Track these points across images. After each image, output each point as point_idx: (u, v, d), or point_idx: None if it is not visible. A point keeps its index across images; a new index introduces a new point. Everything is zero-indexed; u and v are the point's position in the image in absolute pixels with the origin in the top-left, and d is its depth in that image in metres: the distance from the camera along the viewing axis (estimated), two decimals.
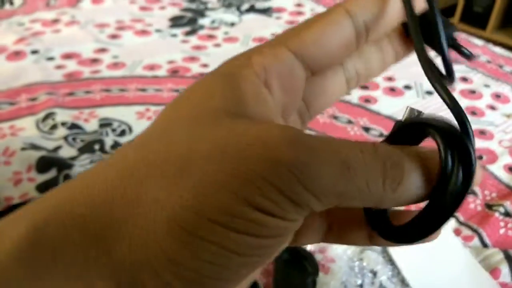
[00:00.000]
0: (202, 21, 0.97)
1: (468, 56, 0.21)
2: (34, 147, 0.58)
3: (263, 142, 0.14)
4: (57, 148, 0.58)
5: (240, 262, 0.15)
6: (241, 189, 0.14)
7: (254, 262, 0.15)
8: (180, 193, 0.14)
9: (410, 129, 0.17)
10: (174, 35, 0.91)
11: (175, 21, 0.96)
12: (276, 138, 0.14)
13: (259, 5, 1.06)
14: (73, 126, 0.62)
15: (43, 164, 0.55)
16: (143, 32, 0.91)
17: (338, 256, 0.46)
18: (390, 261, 0.46)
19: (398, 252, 0.47)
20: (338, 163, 0.14)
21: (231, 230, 0.14)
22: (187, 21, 0.97)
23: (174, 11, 1.01)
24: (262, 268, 0.21)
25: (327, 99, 0.21)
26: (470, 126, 0.16)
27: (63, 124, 0.62)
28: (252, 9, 1.04)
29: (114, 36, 0.89)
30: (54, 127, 0.62)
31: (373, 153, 0.15)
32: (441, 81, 0.18)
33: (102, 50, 0.83)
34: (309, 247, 0.47)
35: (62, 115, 0.64)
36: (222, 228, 0.14)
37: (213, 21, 0.97)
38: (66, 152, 0.57)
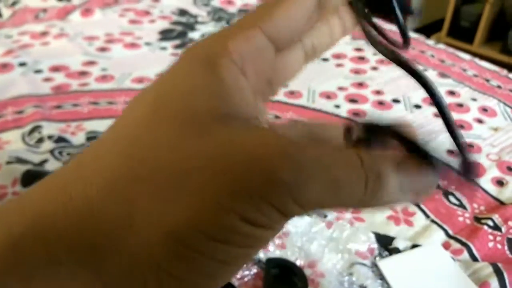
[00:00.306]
0: (192, 35, 0.97)
1: (411, 13, 0.21)
2: (20, 160, 0.57)
3: (257, 156, 0.15)
4: (43, 161, 0.57)
5: (229, 270, 0.16)
6: (237, 205, 0.14)
7: (239, 267, 0.16)
8: (175, 210, 0.14)
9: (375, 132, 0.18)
10: (164, 48, 0.91)
11: (165, 34, 0.97)
12: (270, 155, 0.15)
13: None
14: (60, 139, 0.62)
15: (29, 178, 0.54)
16: (133, 45, 0.91)
17: (327, 271, 0.46)
18: (380, 276, 0.46)
19: (388, 266, 0.46)
20: (328, 181, 0.15)
21: (226, 243, 0.14)
22: (177, 35, 0.97)
23: (164, 24, 1.01)
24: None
25: (288, 74, 0.21)
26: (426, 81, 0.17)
27: (50, 137, 0.62)
28: None
29: (103, 49, 0.88)
30: (40, 140, 0.61)
31: (359, 167, 0.15)
32: (384, 46, 0.18)
33: (91, 62, 0.83)
34: (299, 262, 0.46)
35: (49, 128, 0.63)
36: (218, 243, 0.14)
37: (203, 35, 0.97)
38: (52, 165, 0.56)
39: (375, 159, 0.16)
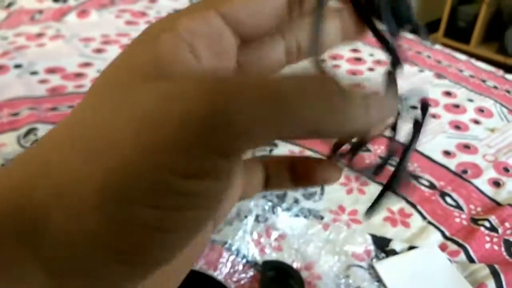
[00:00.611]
0: None
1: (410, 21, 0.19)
2: None
3: (175, 99, 0.13)
4: None
5: (168, 238, 0.14)
6: (164, 160, 0.13)
7: (184, 236, 0.14)
8: (92, 174, 0.13)
9: None
10: None
11: None
12: (190, 93, 0.13)
13: None
14: None
15: None
16: None
17: (324, 273, 0.46)
18: (377, 278, 0.45)
19: (385, 268, 0.46)
20: (262, 97, 0.13)
21: (162, 209, 0.13)
22: None
23: None
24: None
25: (263, 69, 0.20)
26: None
27: None
28: None
29: (99, 50, 0.88)
30: (36, 142, 0.61)
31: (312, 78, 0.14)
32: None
33: (87, 64, 0.83)
34: (295, 265, 0.46)
35: (44, 131, 0.63)
36: (152, 209, 0.13)
37: None
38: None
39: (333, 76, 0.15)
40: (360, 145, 0.19)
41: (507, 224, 0.52)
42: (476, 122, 0.73)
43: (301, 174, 0.22)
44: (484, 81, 0.86)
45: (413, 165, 0.61)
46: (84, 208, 0.13)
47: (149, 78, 0.15)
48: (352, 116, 0.15)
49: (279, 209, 0.52)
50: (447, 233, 0.51)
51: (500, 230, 0.51)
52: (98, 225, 0.13)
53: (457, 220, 0.53)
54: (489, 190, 0.58)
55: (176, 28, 0.16)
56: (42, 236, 0.13)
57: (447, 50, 0.99)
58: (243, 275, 0.45)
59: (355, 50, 0.93)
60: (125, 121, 0.14)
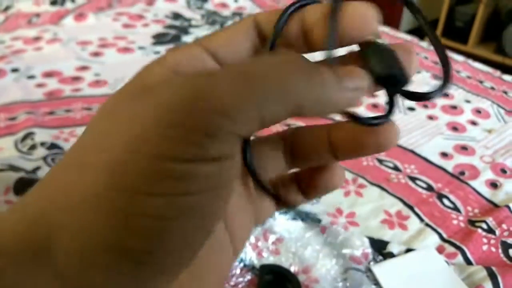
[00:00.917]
0: (186, 38, 0.97)
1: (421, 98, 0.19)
2: (13, 168, 0.56)
3: (162, 94, 0.14)
4: (36, 169, 0.57)
5: (178, 227, 0.14)
6: (153, 147, 0.13)
7: (196, 225, 0.15)
8: (97, 173, 0.14)
9: None
10: (158, 53, 0.90)
11: (159, 38, 0.96)
12: (173, 86, 0.14)
13: None
14: (53, 146, 0.61)
15: (21, 186, 0.53)
16: (126, 50, 0.91)
17: (321, 277, 0.46)
18: (374, 281, 0.45)
19: (382, 271, 0.46)
20: (236, 73, 0.14)
21: (155, 195, 0.13)
22: (171, 38, 0.97)
23: (158, 28, 1.01)
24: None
25: None
26: None
27: (43, 144, 0.61)
28: None
29: (96, 54, 0.88)
30: (33, 147, 0.61)
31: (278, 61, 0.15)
32: None
33: (84, 68, 0.83)
34: (293, 268, 0.46)
35: (42, 135, 0.63)
36: (144, 196, 0.13)
37: (196, 38, 0.97)
38: (45, 173, 0.56)
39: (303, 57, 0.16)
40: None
41: (504, 226, 0.52)
42: (474, 123, 0.73)
43: (307, 185, 0.22)
44: (481, 82, 0.86)
45: (409, 167, 0.62)
46: (87, 208, 0.14)
47: (135, 95, 0.16)
48: (328, 88, 0.15)
49: (276, 213, 0.52)
50: (445, 235, 0.51)
51: (497, 232, 0.51)
52: (104, 224, 0.13)
53: (455, 222, 0.53)
54: (486, 191, 0.58)
55: (164, 60, 0.18)
56: (55, 248, 0.14)
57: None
58: (240, 279, 0.45)
59: None
60: (118, 128, 0.15)
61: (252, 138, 0.20)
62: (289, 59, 0.15)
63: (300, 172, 0.23)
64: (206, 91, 0.13)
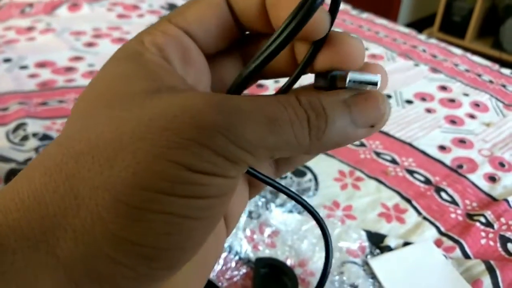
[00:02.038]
0: None
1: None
2: (4, 159, 0.55)
3: (188, 111, 0.15)
4: (28, 160, 0.56)
5: (191, 226, 0.15)
6: (177, 156, 0.14)
7: (205, 224, 0.16)
8: (118, 174, 0.14)
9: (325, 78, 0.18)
10: None
11: None
12: (200, 105, 0.15)
13: None
14: (45, 137, 0.60)
15: (12, 177, 0.52)
16: (120, 40, 0.89)
17: (318, 270, 0.45)
18: (371, 274, 0.45)
19: (379, 265, 0.46)
20: (263, 119, 0.15)
21: (176, 196, 0.14)
22: None
23: (153, 19, 0.99)
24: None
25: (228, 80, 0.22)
26: None
27: (34, 135, 0.60)
28: None
29: (90, 44, 0.87)
30: (25, 138, 0.60)
31: (297, 107, 0.16)
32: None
33: (78, 58, 0.81)
34: (289, 261, 0.45)
35: (34, 126, 0.62)
36: (166, 196, 0.14)
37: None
38: None
39: (315, 100, 0.17)
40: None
41: (502, 220, 0.52)
42: (472, 116, 0.72)
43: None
44: (479, 75, 0.85)
45: (407, 160, 0.61)
46: (102, 208, 0.14)
47: (153, 91, 0.16)
48: (342, 133, 0.17)
49: (272, 205, 0.51)
50: (443, 229, 0.51)
51: (495, 226, 0.51)
52: (116, 218, 0.14)
53: (453, 215, 0.53)
54: (484, 185, 0.57)
55: (145, 46, 0.18)
56: (62, 236, 0.14)
57: (443, 44, 0.98)
58: (235, 272, 0.44)
59: None
60: (134, 128, 0.15)
61: None
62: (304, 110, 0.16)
63: None
64: (236, 127, 0.15)
